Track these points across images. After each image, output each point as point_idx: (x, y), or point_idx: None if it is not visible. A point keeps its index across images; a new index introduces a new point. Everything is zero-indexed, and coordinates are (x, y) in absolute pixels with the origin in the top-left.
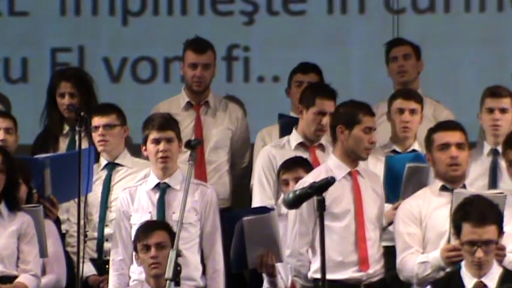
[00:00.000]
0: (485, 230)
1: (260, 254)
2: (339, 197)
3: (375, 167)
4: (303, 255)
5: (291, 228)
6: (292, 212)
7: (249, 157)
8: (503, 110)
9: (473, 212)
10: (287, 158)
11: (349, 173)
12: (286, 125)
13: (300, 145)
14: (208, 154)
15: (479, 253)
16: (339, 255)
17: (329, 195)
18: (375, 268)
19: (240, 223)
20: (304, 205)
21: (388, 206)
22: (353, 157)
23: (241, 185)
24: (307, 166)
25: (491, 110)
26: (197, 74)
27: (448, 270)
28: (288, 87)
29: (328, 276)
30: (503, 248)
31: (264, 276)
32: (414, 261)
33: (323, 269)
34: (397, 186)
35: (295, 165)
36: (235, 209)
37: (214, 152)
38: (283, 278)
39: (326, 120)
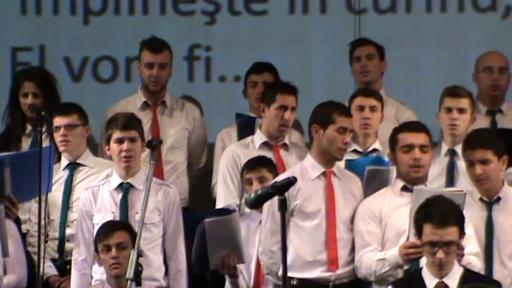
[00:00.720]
0: (447, 231)
1: (222, 256)
2: (310, 196)
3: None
4: (275, 253)
5: (263, 226)
6: (265, 210)
7: (206, 157)
8: (461, 110)
9: (434, 213)
10: (250, 158)
11: (324, 173)
12: (243, 125)
13: (264, 144)
14: (165, 154)
15: (440, 254)
16: (309, 254)
17: (301, 194)
18: (345, 269)
19: (201, 225)
20: (276, 202)
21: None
22: (328, 157)
23: (199, 185)
24: (271, 166)
25: (449, 110)
26: (154, 73)
27: (405, 268)
28: (245, 88)
29: (297, 275)
30: (462, 248)
31: (226, 277)
32: (372, 258)
33: (284, 267)
34: None
35: (259, 164)
36: (193, 209)
37: (171, 152)
38: (246, 278)
39: (288, 115)
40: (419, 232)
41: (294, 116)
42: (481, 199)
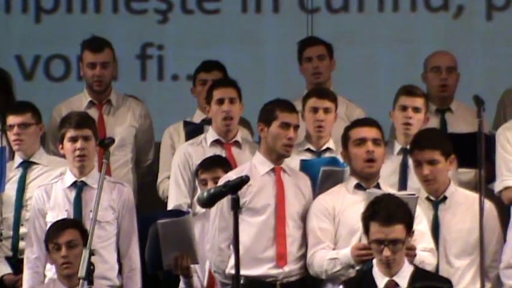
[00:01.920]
0: (392, 229)
1: (175, 256)
2: (259, 192)
3: (289, 164)
4: (223, 250)
5: (212, 223)
6: (213, 207)
7: (154, 155)
8: (416, 109)
9: (380, 211)
10: (205, 157)
11: (273, 169)
12: (192, 132)
13: (216, 142)
14: (112, 152)
15: (386, 252)
16: (257, 250)
17: (250, 190)
18: (293, 267)
19: (154, 226)
20: (225, 200)
21: None
22: (275, 154)
23: (146, 182)
24: (226, 166)
25: (404, 108)
26: (96, 73)
27: (357, 268)
28: (193, 86)
29: (245, 272)
30: (413, 248)
31: (180, 277)
32: (324, 256)
33: (237, 266)
34: (312, 190)
35: (214, 164)
36: (140, 206)
37: (118, 150)
38: (200, 277)
39: (227, 106)
40: (366, 230)
41: (236, 107)
42: (427, 198)
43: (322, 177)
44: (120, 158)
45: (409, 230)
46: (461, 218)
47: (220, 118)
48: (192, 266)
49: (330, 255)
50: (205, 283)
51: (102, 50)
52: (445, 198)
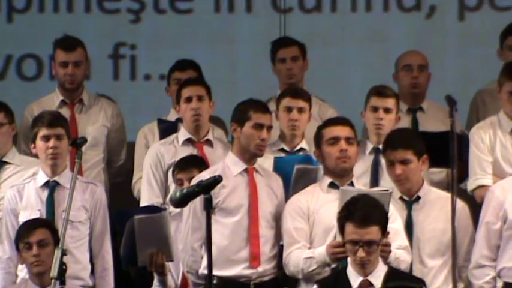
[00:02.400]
0: (367, 230)
1: (150, 253)
2: (232, 192)
3: (262, 164)
4: (196, 250)
5: (185, 223)
6: (186, 207)
7: (126, 154)
8: (387, 110)
9: (356, 212)
10: (182, 157)
11: (246, 170)
12: (166, 130)
13: (188, 141)
14: (84, 152)
15: (361, 253)
16: (230, 250)
17: (223, 191)
18: (266, 267)
19: (131, 221)
20: (198, 200)
21: None
22: (248, 154)
23: (118, 182)
24: (202, 166)
25: (375, 109)
26: (68, 72)
27: (333, 266)
28: (168, 85)
29: (218, 273)
30: (388, 245)
31: (155, 274)
32: (300, 256)
33: (209, 266)
34: (286, 188)
35: (190, 165)
36: (112, 207)
37: (90, 149)
38: (174, 276)
39: (195, 104)
40: (341, 230)
41: (205, 105)
42: (401, 198)
43: (296, 176)
44: (92, 158)
45: (384, 231)
46: (434, 217)
47: (189, 116)
48: (166, 264)
49: (305, 254)
50: (179, 282)
51: (74, 49)
52: (418, 198)
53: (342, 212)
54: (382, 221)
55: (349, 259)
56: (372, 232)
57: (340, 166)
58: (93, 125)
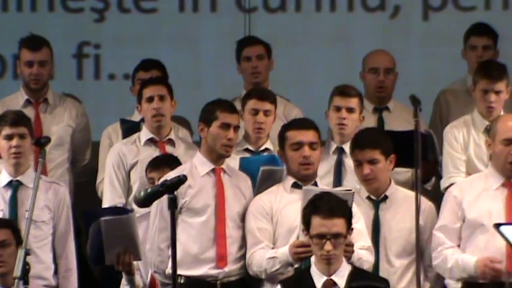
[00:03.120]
0: (334, 222)
1: (117, 252)
2: (199, 193)
3: (228, 164)
4: (163, 250)
5: (152, 223)
6: (153, 207)
7: (90, 154)
8: (350, 110)
9: (322, 205)
10: (156, 156)
11: (213, 170)
12: (129, 130)
13: (150, 141)
14: (48, 151)
15: (328, 246)
16: (197, 251)
17: (190, 191)
18: (233, 267)
19: (97, 222)
20: (164, 200)
21: None
22: (215, 154)
23: (82, 182)
24: (174, 164)
25: (338, 109)
26: (34, 71)
27: (296, 266)
28: (132, 85)
29: (185, 272)
30: (351, 245)
31: (123, 274)
32: (263, 256)
33: (174, 266)
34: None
35: (162, 164)
36: (76, 206)
37: (55, 149)
38: (143, 276)
39: (156, 104)
40: (307, 226)
41: (166, 104)
42: (368, 198)
43: (262, 177)
44: (57, 158)
45: (349, 226)
46: (401, 217)
47: (151, 116)
48: (135, 264)
49: (268, 254)
50: (148, 282)
51: (40, 49)
52: (385, 197)
53: (307, 207)
54: (347, 214)
55: (313, 259)
56: (339, 224)
57: (303, 173)
58: (58, 125)
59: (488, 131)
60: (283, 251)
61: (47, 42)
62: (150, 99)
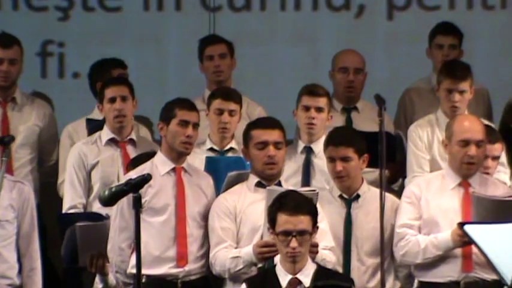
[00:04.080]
0: (300, 219)
1: (91, 255)
2: (159, 192)
3: (193, 163)
4: (124, 250)
5: (112, 223)
6: (114, 207)
7: (57, 154)
8: (319, 109)
9: (288, 202)
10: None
11: (173, 169)
12: (94, 129)
13: (111, 141)
14: (15, 151)
15: (294, 243)
16: (157, 250)
17: (150, 190)
18: (194, 266)
19: (72, 227)
20: (125, 200)
21: None
22: (175, 152)
23: (49, 182)
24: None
25: (307, 108)
26: (3, 69)
27: (259, 266)
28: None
29: (146, 272)
30: (316, 245)
31: (97, 274)
32: (227, 255)
33: (138, 265)
34: (218, 187)
35: (141, 162)
36: (43, 206)
37: (22, 148)
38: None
39: (119, 104)
40: (273, 224)
41: (128, 105)
42: (340, 196)
43: (228, 182)
44: (23, 157)
45: (315, 224)
46: (373, 216)
47: (113, 116)
48: (109, 264)
49: (232, 254)
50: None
51: (11, 47)
52: (358, 196)
53: (273, 205)
54: (313, 212)
55: (278, 257)
56: (304, 221)
57: (267, 172)
58: (25, 124)
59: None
60: (247, 251)
61: (18, 40)
62: (112, 100)
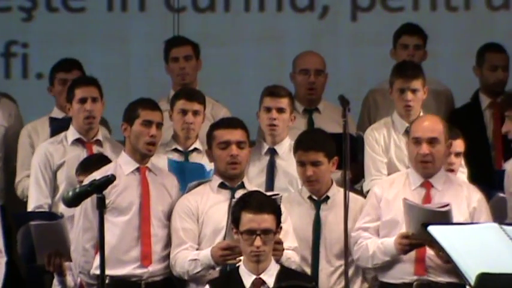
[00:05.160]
0: (264, 218)
1: (48, 253)
2: (124, 192)
3: (157, 163)
4: (88, 250)
5: (76, 223)
6: (78, 208)
7: None
8: (280, 110)
9: (252, 201)
10: (84, 158)
11: (138, 169)
12: (58, 129)
13: (77, 141)
14: None
15: (258, 242)
16: (121, 250)
17: (114, 190)
18: (158, 266)
19: (27, 226)
20: (89, 200)
21: None
22: (139, 153)
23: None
24: (103, 165)
25: (268, 109)
26: None
27: (218, 268)
28: (51, 85)
29: (110, 272)
30: (280, 243)
31: (55, 274)
32: (186, 257)
33: (102, 266)
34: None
35: (91, 166)
36: (8, 206)
37: None
38: (74, 276)
39: (90, 105)
40: (236, 224)
41: (98, 106)
42: (310, 197)
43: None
44: None
45: (279, 224)
46: (342, 218)
47: (83, 117)
48: (67, 264)
49: (191, 256)
50: (78, 282)
51: None
52: (327, 198)
53: (236, 204)
54: (277, 211)
55: (242, 258)
56: (268, 220)
57: (230, 172)
58: None
59: (408, 132)
60: (205, 254)
61: None
62: (83, 101)
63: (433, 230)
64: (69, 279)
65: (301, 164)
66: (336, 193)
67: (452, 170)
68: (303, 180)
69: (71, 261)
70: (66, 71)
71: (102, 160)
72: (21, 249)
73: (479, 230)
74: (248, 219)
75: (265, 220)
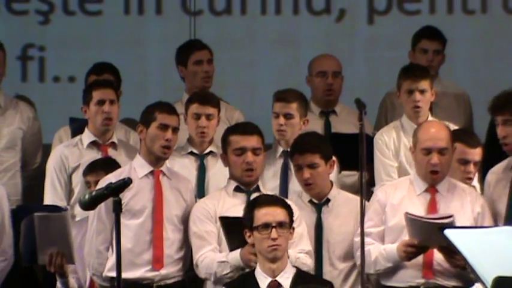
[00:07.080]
0: (277, 211)
1: (50, 253)
2: (137, 195)
3: (172, 166)
4: (101, 253)
5: (90, 226)
6: (91, 210)
7: (41, 158)
8: (288, 116)
9: (264, 198)
10: (94, 160)
11: (152, 172)
12: (78, 129)
13: (93, 144)
14: None
15: (274, 233)
16: (133, 253)
17: (128, 193)
18: (171, 269)
19: (30, 217)
20: (103, 203)
21: None
22: (154, 156)
23: (33, 186)
24: (111, 168)
25: (277, 115)
26: None
27: (247, 270)
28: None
29: (122, 275)
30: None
31: (57, 276)
32: (214, 259)
33: (118, 269)
34: None
35: (99, 167)
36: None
37: (5, 152)
38: (80, 279)
39: (107, 108)
40: (250, 223)
41: (115, 108)
42: (310, 201)
43: None
44: (7, 160)
45: (291, 220)
46: (344, 220)
47: (101, 119)
48: (72, 267)
49: (218, 258)
50: (87, 286)
51: None
52: (328, 200)
53: (247, 206)
54: (288, 209)
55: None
56: (282, 214)
57: (245, 179)
58: (9, 127)
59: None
60: (234, 255)
61: (1, 44)
62: (101, 103)
63: (449, 233)
64: (72, 281)
65: (298, 167)
66: (337, 195)
67: (470, 179)
68: (301, 185)
69: (73, 263)
70: (97, 74)
71: (110, 162)
72: (22, 247)
73: (495, 233)
74: (262, 214)
75: (279, 213)
